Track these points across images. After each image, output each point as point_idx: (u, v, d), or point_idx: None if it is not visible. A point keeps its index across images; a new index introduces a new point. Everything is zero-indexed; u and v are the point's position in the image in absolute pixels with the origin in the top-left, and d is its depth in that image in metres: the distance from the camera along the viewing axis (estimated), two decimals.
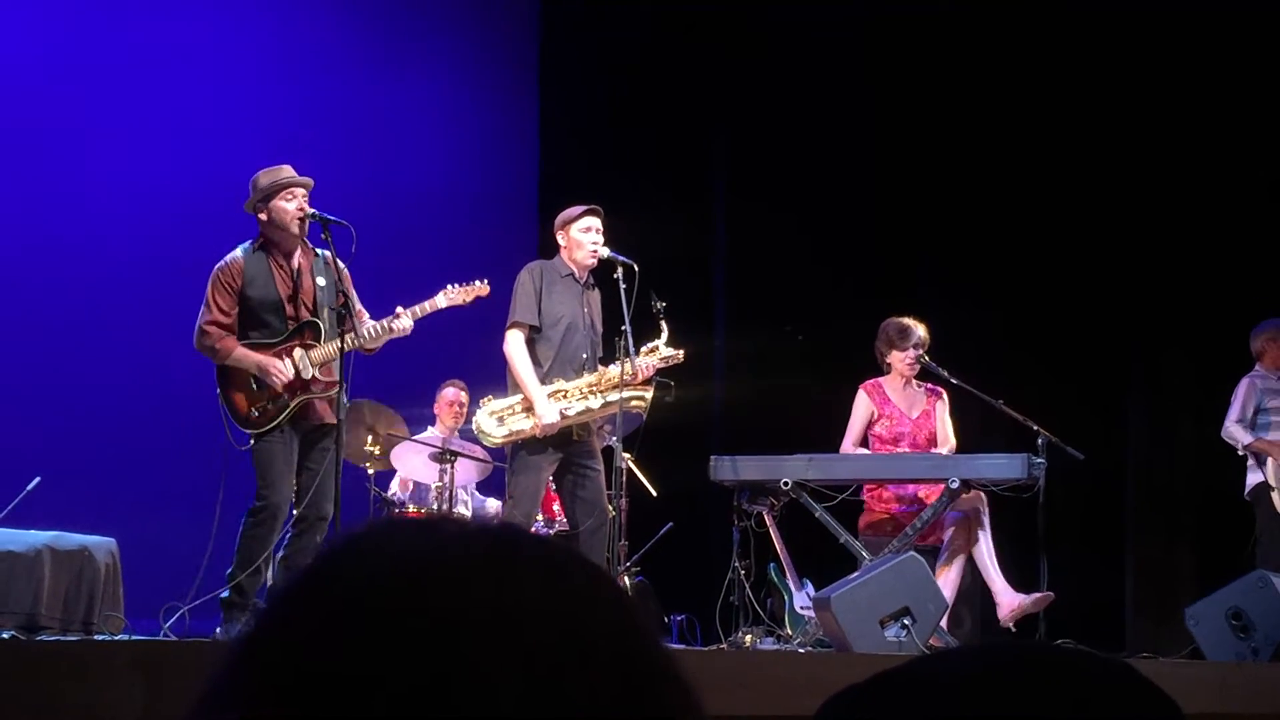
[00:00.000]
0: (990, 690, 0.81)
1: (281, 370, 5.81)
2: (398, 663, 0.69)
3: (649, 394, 6.49)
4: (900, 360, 7.30)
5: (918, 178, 10.17)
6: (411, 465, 7.87)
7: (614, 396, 6.33)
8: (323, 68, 9.25)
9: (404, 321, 6.01)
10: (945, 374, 7.32)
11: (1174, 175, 9.71)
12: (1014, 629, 6.91)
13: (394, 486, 8.07)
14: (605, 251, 6.46)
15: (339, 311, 5.86)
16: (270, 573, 5.93)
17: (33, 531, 5.85)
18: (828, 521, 6.94)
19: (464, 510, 8.04)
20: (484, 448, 7.27)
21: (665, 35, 10.03)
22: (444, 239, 9.31)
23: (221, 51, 8.80)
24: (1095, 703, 0.82)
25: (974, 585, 7.28)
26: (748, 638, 6.80)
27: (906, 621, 5.67)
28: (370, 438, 7.58)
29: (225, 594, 5.70)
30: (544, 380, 6.32)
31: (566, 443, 6.36)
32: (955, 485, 6.79)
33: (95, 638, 5.49)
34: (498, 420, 6.35)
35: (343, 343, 5.73)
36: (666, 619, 8.25)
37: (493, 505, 8.12)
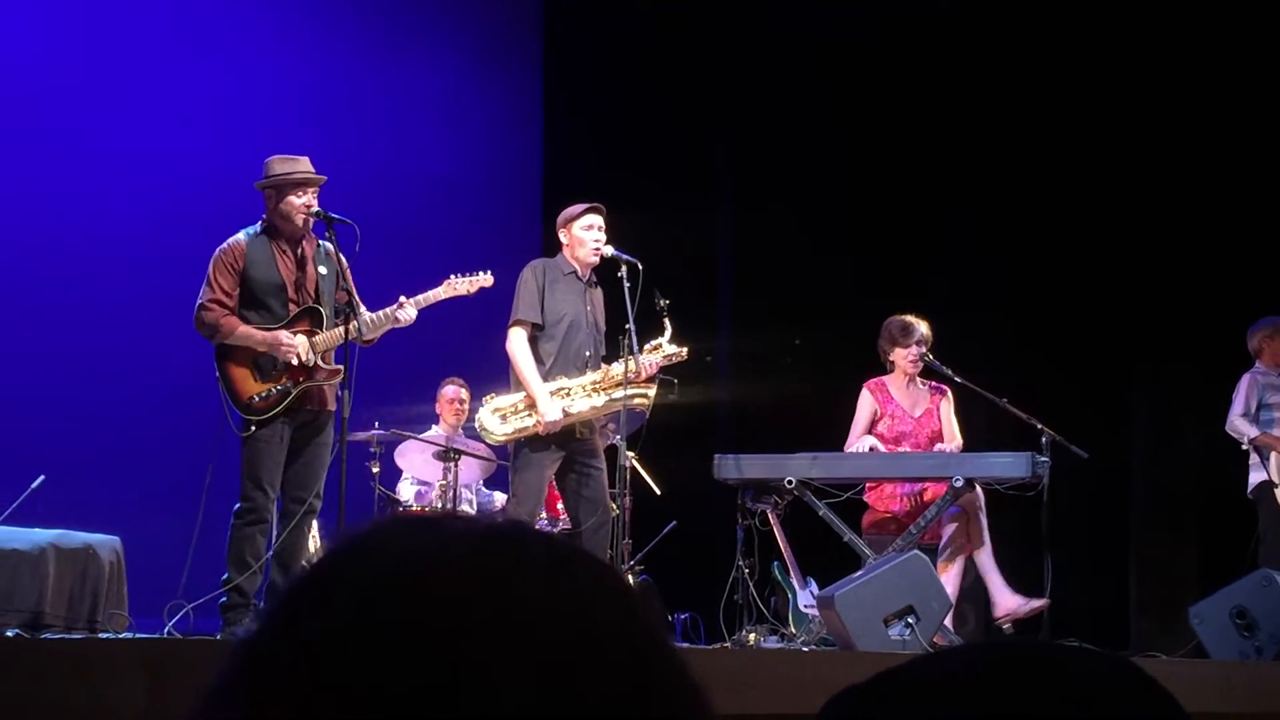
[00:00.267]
0: (994, 689, 0.81)
1: (293, 345, 5.78)
2: (404, 663, 0.69)
3: (652, 392, 6.49)
4: (903, 358, 7.30)
5: (922, 176, 10.16)
6: (415, 463, 7.87)
7: (617, 394, 6.33)
8: (325, 65, 9.25)
9: (408, 311, 6.00)
10: (949, 372, 7.32)
11: (1178, 175, 9.69)
12: (1011, 628, 6.90)
13: (402, 491, 8.04)
14: (609, 250, 6.46)
15: (342, 309, 5.86)
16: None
17: (37, 530, 5.85)
18: (831, 520, 6.94)
19: (468, 508, 8.03)
20: (487, 446, 7.27)
21: (671, 32, 10.02)
22: (447, 236, 9.30)
23: (224, 45, 8.80)
24: (1099, 702, 0.82)
25: (977, 584, 7.28)
26: (751, 636, 6.80)
27: (910, 620, 5.67)
28: (374, 437, 7.58)
29: (224, 598, 5.69)
30: (547, 378, 6.32)
31: (569, 441, 6.36)
32: (959, 484, 6.79)
33: (99, 636, 5.48)
34: (501, 418, 6.35)
35: (346, 331, 5.71)
36: (670, 618, 8.25)
37: (499, 498, 8.12)
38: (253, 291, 5.84)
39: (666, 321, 6.49)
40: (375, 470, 7.60)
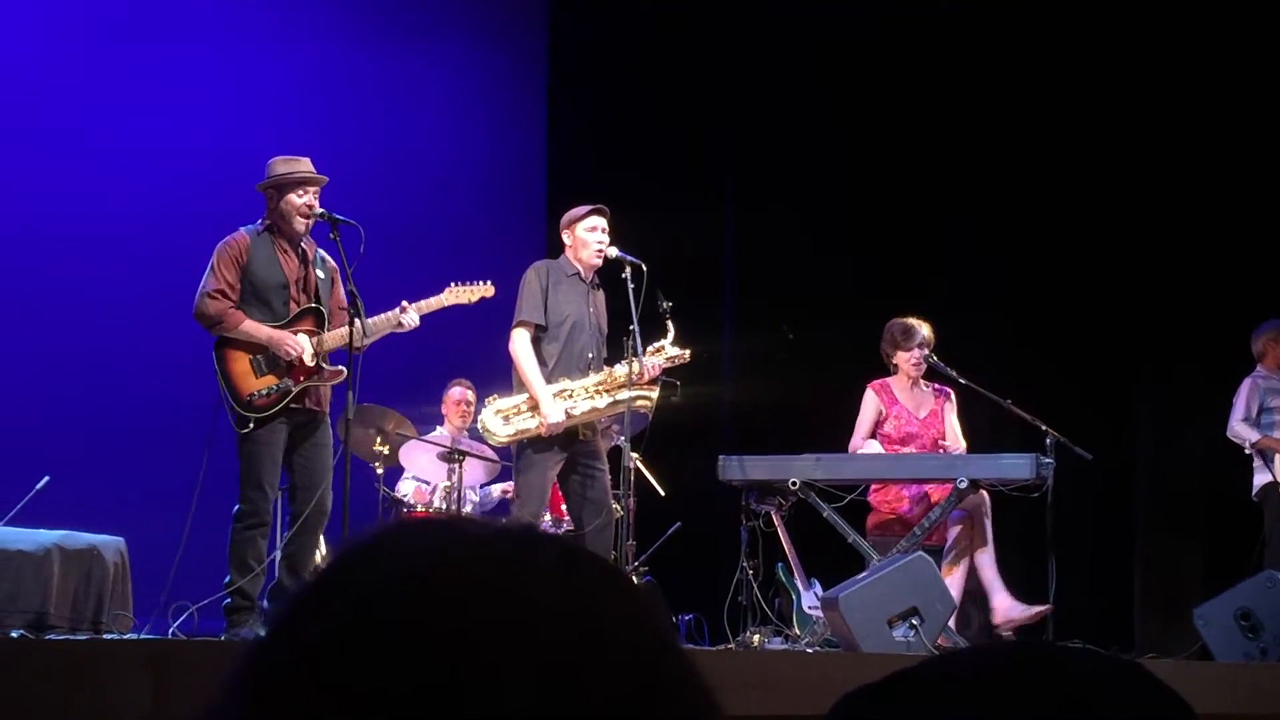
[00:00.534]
0: (1003, 691, 0.81)
1: (295, 346, 5.77)
2: (404, 664, 0.69)
3: (654, 394, 6.49)
4: (905, 360, 7.30)
5: (924, 176, 10.15)
6: (420, 465, 7.87)
7: (620, 396, 6.33)
8: (328, 65, 9.25)
9: (410, 316, 6.00)
10: (953, 373, 7.31)
11: (1180, 175, 9.69)
12: (1011, 634, 6.89)
13: (402, 488, 8.05)
14: (613, 251, 6.46)
15: (349, 310, 5.85)
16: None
17: (42, 531, 5.85)
18: (836, 521, 6.93)
19: (471, 509, 8.03)
20: (491, 447, 7.27)
21: (672, 33, 10.02)
22: (451, 237, 9.31)
23: (224, 46, 8.79)
24: (1107, 703, 0.82)
25: (981, 585, 7.27)
26: (755, 638, 6.80)
27: (915, 621, 5.67)
28: (380, 437, 7.58)
29: (228, 600, 5.68)
30: (549, 379, 6.32)
31: (571, 442, 6.36)
32: (964, 485, 6.78)
33: (104, 637, 5.49)
34: (503, 419, 6.35)
35: (351, 332, 5.70)
36: (674, 619, 8.25)
37: (497, 490, 8.12)
38: (255, 287, 5.84)
39: (669, 324, 6.49)
40: (380, 471, 7.60)
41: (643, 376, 6.38)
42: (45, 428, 7.67)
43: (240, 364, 5.78)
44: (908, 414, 7.33)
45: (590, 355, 6.44)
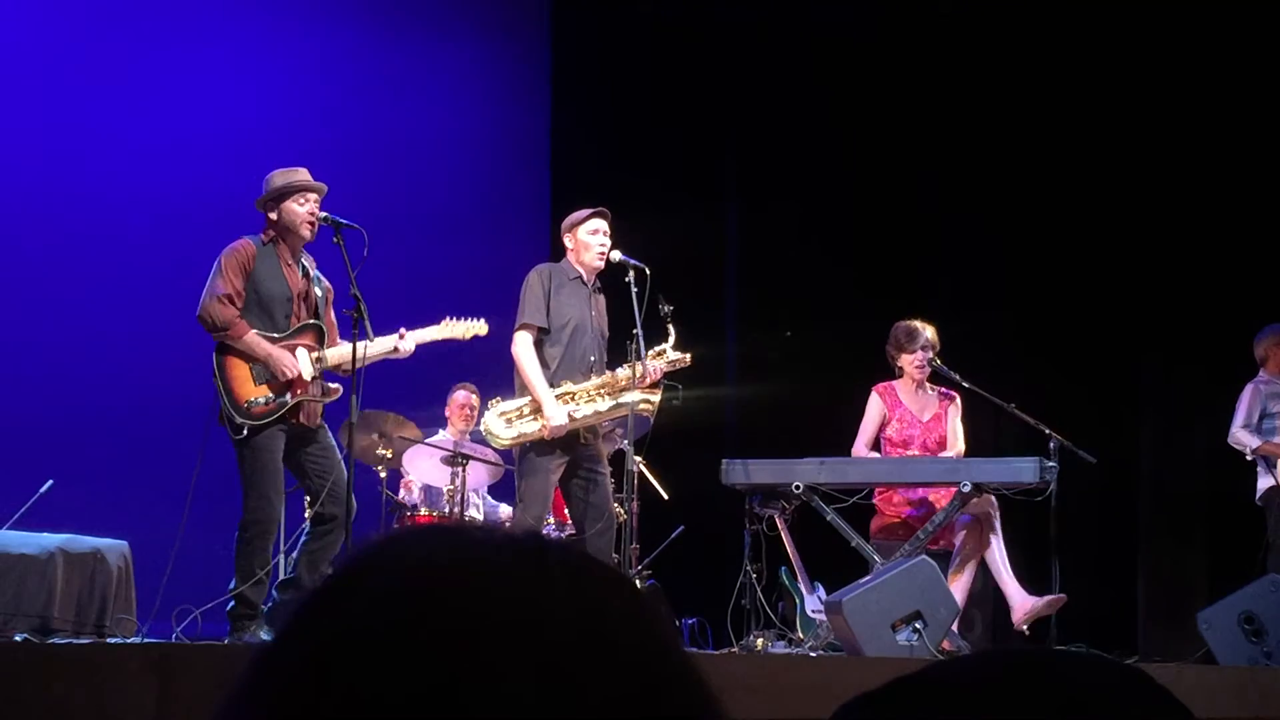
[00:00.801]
0: (1006, 696, 0.81)
1: (291, 366, 5.77)
2: (416, 668, 0.69)
3: (656, 397, 6.49)
4: (909, 363, 7.30)
5: (930, 179, 10.15)
6: (423, 468, 7.87)
7: (622, 399, 6.34)
8: (329, 66, 9.26)
9: (407, 344, 6.04)
10: (956, 377, 7.31)
11: (1185, 177, 9.68)
12: (1026, 632, 6.89)
13: (401, 490, 8.05)
14: (616, 254, 6.46)
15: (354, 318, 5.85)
16: (287, 573, 5.93)
17: (45, 534, 5.86)
18: (839, 525, 6.93)
19: (475, 514, 8.04)
20: (494, 450, 7.27)
21: (675, 34, 10.03)
22: (455, 242, 9.32)
23: (225, 45, 8.79)
24: (1107, 709, 0.82)
25: (985, 589, 7.26)
26: (759, 641, 6.80)
27: (918, 625, 5.67)
28: (382, 442, 7.59)
29: (231, 605, 5.69)
30: (552, 382, 6.33)
31: (573, 446, 6.36)
32: (967, 489, 6.78)
33: (107, 640, 5.50)
34: (506, 422, 6.36)
35: (354, 349, 5.70)
36: (678, 622, 8.25)
37: (505, 511, 8.11)
38: (259, 297, 5.84)
39: (670, 327, 6.49)
40: (383, 474, 7.61)
41: (645, 380, 6.39)
42: (49, 431, 7.67)
43: (240, 369, 5.78)
44: (911, 416, 7.33)
45: (592, 358, 6.45)
